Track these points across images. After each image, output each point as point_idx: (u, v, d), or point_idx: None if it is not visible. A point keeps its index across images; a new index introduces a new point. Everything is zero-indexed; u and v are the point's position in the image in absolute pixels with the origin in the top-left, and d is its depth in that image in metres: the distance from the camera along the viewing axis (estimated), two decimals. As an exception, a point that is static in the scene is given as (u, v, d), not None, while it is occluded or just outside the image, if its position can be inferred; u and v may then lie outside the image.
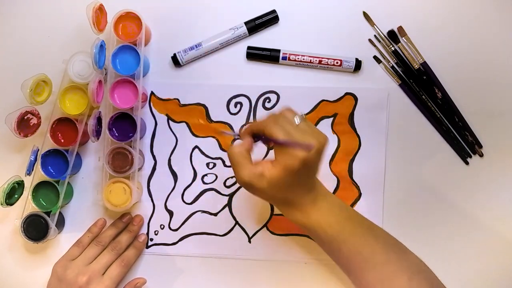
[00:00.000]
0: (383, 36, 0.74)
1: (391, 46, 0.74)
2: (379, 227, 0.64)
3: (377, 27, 0.74)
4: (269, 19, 0.74)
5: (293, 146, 0.58)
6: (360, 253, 0.61)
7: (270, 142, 0.60)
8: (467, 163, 0.73)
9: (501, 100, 0.73)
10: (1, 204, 0.67)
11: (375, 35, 0.75)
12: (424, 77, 0.74)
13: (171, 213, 0.75)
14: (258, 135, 0.62)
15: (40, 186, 0.71)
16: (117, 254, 0.71)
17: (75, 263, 0.70)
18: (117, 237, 0.73)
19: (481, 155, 0.73)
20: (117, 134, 0.72)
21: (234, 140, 0.75)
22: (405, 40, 0.74)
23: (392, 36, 0.74)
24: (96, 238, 0.72)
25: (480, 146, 0.73)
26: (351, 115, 0.74)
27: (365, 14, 0.74)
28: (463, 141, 0.74)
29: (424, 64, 0.74)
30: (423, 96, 0.74)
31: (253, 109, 0.75)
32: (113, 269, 0.70)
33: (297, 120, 0.60)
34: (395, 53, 0.74)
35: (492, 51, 0.74)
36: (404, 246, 0.64)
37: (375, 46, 0.74)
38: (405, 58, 0.74)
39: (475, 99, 0.74)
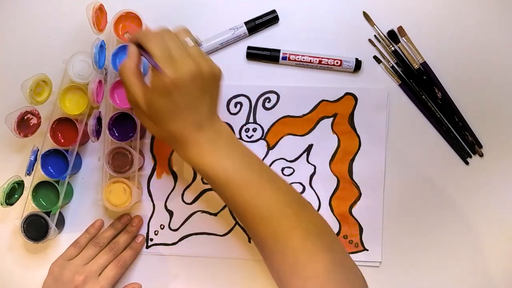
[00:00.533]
0: (383, 36, 0.74)
1: (391, 46, 0.74)
2: (283, 181, 0.60)
3: (377, 27, 0.74)
4: (269, 19, 0.74)
5: (153, 66, 0.55)
6: (254, 204, 0.57)
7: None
8: (467, 163, 0.73)
9: (501, 100, 0.73)
10: (1, 204, 0.67)
11: (375, 35, 0.75)
12: (424, 77, 0.74)
13: (171, 213, 0.75)
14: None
15: (40, 186, 0.71)
16: (115, 255, 0.71)
17: (72, 263, 0.70)
18: (116, 238, 0.73)
19: (481, 155, 0.73)
20: (117, 134, 0.72)
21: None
22: (405, 40, 0.74)
23: (392, 36, 0.74)
24: (94, 238, 0.72)
25: (480, 146, 0.73)
26: (351, 115, 0.74)
27: (365, 14, 0.74)
28: (463, 141, 0.74)
29: (424, 64, 0.73)
30: (423, 96, 0.74)
31: (253, 109, 0.75)
32: (109, 270, 0.70)
33: (189, 42, 0.57)
34: (395, 53, 0.74)
35: (492, 51, 0.74)
36: (309, 204, 0.60)
37: (375, 46, 0.74)
38: (405, 58, 0.74)
39: (475, 99, 0.74)
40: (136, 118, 0.71)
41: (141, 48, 0.58)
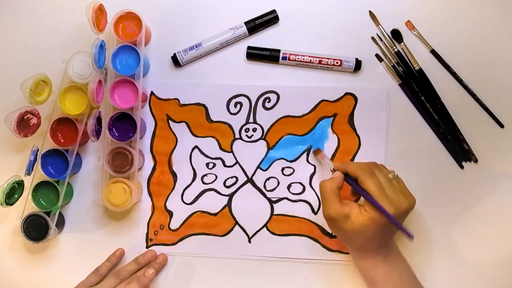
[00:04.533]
0: (386, 36, 0.74)
1: (394, 47, 0.74)
2: None
3: (381, 26, 0.74)
4: (269, 19, 0.74)
5: (388, 218, 0.61)
6: None
7: (357, 192, 0.63)
8: (462, 167, 0.73)
9: (501, 108, 0.73)
10: (1, 204, 0.67)
11: (377, 34, 0.74)
12: (425, 82, 0.74)
13: (170, 213, 0.75)
14: (349, 176, 0.64)
15: (40, 186, 0.71)
16: None
17: None
18: (139, 271, 0.73)
19: (476, 161, 0.73)
20: (117, 134, 0.72)
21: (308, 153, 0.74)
22: (405, 45, 0.74)
23: (395, 36, 0.74)
24: (117, 271, 0.72)
25: (476, 160, 0.73)
26: (351, 115, 0.74)
27: (371, 14, 0.74)
28: (459, 145, 0.73)
29: (435, 53, 0.73)
30: (422, 97, 0.74)
31: (253, 109, 0.75)
32: None
33: (390, 176, 0.64)
34: (397, 54, 0.74)
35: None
36: None
37: (377, 44, 0.74)
38: (406, 59, 0.74)
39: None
40: (134, 118, 0.71)
41: (347, 176, 0.65)
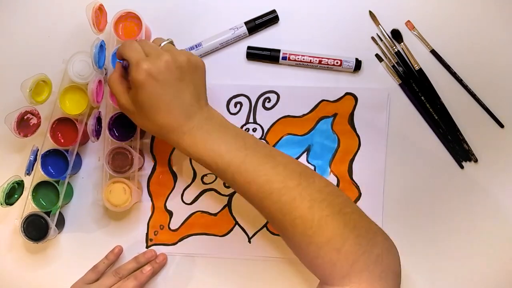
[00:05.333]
0: (386, 36, 0.74)
1: (394, 47, 0.74)
2: (282, 154, 0.60)
3: (381, 26, 0.74)
4: (269, 19, 0.74)
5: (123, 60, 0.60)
6: (254, 183, 0.57)
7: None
8: (462, 167, 0.73)
9: (501, 108, 0.73)
10: (1, 204, 0.67)
11: (377, 34, 0.74)
12: (425, 82, 0.74)
13: (170, 213, 0.75)
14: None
15: (40, 186, 0.71)
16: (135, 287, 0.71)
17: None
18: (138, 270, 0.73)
19: (476, 161, 0.73)
20: (117, 134, 0.72)
21: None
22: (405, 44, 0.74)
23: (395, 36, 0.74)
24: (116, 269, 0.72)
25: (476, 160, 0.73)
26: (351, 115, 0.74)
27: (371, 14, 0.74)
28: (459, 145, 0.73)
29: (435, 53, 0.73)
30: (422, 97, 0.74)
31: (253, 109, 0.75)
32: None
33: (163, 43, 0.62)
34: (397, 54, 0.74)
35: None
36: (312, 172, 0.60)
37: (377, 44, 0.74)
38: (407, 59, 0.74)
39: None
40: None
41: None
